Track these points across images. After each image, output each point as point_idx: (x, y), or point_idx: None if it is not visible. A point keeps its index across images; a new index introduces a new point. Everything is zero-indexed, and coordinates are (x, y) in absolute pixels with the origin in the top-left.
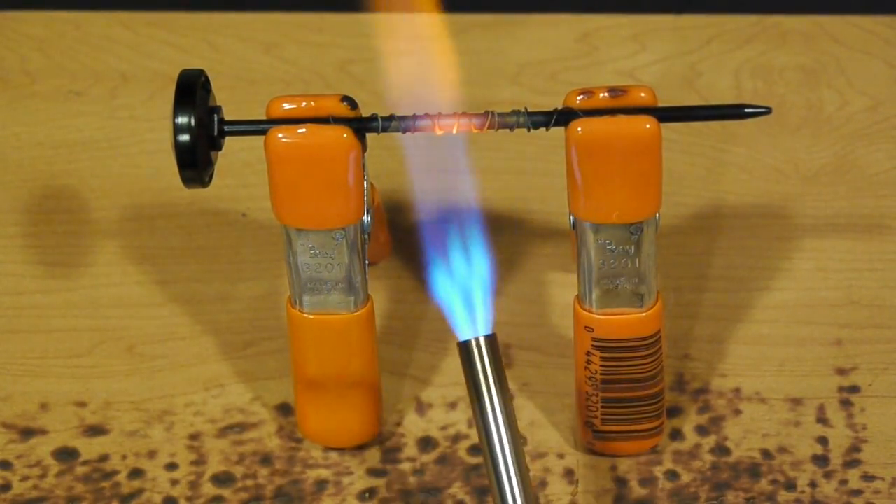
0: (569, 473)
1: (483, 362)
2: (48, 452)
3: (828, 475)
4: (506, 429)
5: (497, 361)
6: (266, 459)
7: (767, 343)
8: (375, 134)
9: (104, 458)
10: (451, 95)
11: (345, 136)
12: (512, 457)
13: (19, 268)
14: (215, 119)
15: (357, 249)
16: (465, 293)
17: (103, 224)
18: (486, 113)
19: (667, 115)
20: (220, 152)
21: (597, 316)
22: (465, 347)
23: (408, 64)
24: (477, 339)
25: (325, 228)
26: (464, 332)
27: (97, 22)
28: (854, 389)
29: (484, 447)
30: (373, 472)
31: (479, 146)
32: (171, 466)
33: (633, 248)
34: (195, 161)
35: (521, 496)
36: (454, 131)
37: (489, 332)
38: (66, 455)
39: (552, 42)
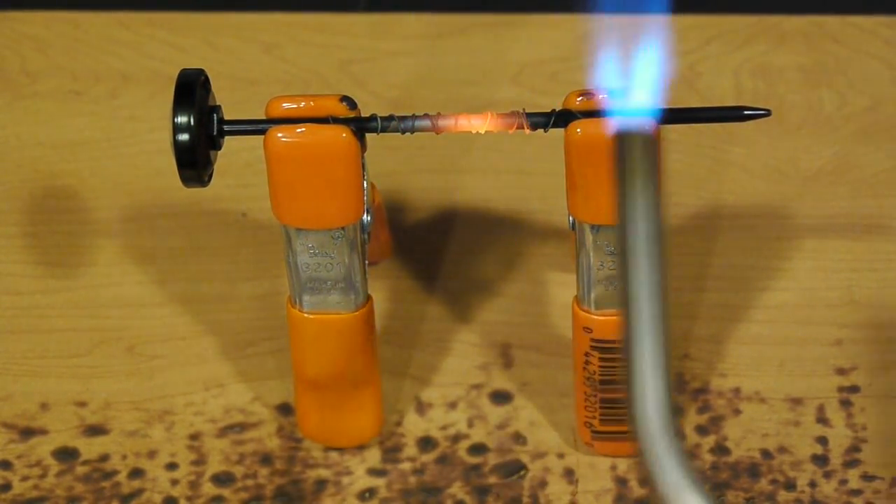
0: (569, 473)
1: (638, 156)
2: (48, 452)
3: (827, 475)
4: (650, 224)
5: (655, 157)
6: (266, 459)
7: (767, 343)
8: (375, 134)
9: (104, 457)
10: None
11: (344, 135)
12: (652, 258)
13: (19, 268)
14: (215, 118)
15: (357, 249)
16: (632, 84)
17: (103, 224)
18: (485, 114)
19: (665, 117)
20: (219, 152)
21: (595, 317)
22: (622, 137)
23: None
24: (637, 131)
25: (324, 228)
26: (624, 122)
27: (97, 22)
28: (854, 389)
29: (620, 245)
30: (373, 472)
31: (479, 146)
32: (172, 466)
33: None
34: (194, 160)
35: (655, 302)
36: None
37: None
38: (67, 455)
39: (552, 42)
